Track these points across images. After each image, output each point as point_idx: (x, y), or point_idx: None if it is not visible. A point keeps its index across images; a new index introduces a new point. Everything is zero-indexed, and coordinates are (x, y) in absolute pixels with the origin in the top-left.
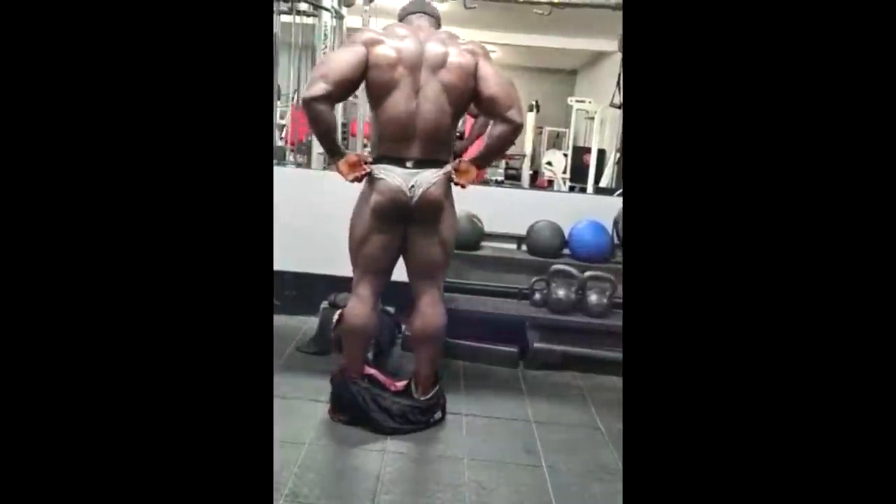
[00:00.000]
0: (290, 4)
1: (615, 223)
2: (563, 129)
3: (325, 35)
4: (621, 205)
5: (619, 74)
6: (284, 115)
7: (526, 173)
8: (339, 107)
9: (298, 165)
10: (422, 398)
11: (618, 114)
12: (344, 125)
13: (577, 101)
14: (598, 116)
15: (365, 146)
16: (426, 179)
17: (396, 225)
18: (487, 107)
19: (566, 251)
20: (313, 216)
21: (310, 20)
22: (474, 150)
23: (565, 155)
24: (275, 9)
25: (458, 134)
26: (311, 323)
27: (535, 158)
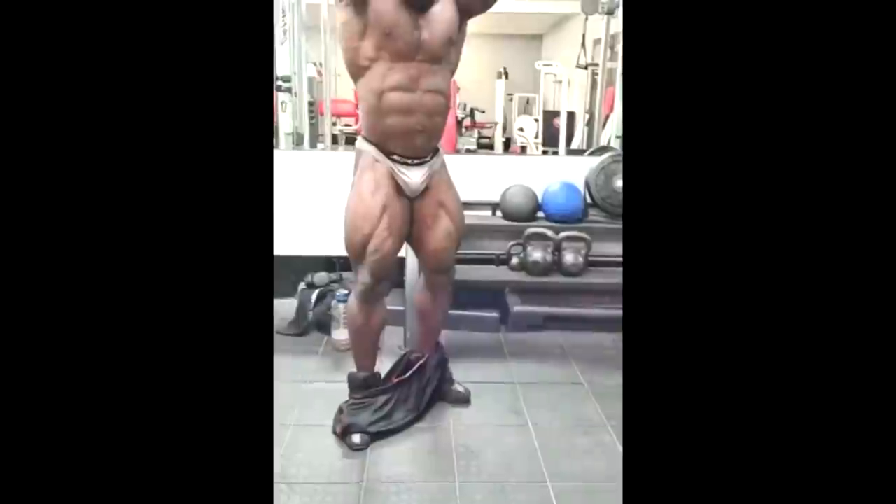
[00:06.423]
0: None
1: (587, 183)
2: (533, 95)
3: (284, 12)
4: (592, 164)
5: (583, 35)
6: None
7: (499, 141)
8: (304, 85)
9: None
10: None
11: (584, 74)
12: (311, 104)
13: (545, 66)
14: (566, 79)
15: (334, 124)
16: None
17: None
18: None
19: (540, 214)
20: (284, 196)
21: None
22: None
23: (536, 120)
24: None
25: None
26: (288, 305)
27: (506, 126)
